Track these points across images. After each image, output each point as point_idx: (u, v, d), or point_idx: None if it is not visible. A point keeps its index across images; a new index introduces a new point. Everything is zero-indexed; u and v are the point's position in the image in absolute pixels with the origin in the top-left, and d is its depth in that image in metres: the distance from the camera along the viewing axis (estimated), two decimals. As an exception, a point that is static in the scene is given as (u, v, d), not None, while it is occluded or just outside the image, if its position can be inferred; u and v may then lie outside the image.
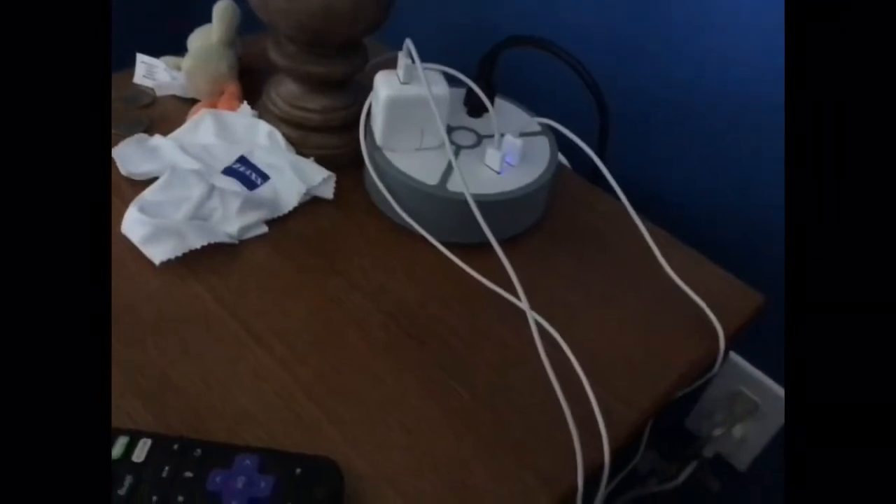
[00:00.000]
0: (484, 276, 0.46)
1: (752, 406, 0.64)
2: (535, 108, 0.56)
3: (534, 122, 0.54)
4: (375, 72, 0.50)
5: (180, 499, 0.33)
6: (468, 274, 0.46)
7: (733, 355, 0.64)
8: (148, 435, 0.35)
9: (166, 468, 0.34)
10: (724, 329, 0.47)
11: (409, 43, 0.47)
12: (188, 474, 0.34)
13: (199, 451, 0.35)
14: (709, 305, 0.47)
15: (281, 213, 0.50)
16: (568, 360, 0.42)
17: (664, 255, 0.49)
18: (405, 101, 0.47)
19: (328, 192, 0.52)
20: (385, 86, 0.48)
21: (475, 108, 0.54)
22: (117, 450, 0.34)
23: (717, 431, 0.65)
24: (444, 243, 0.48)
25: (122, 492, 0.33)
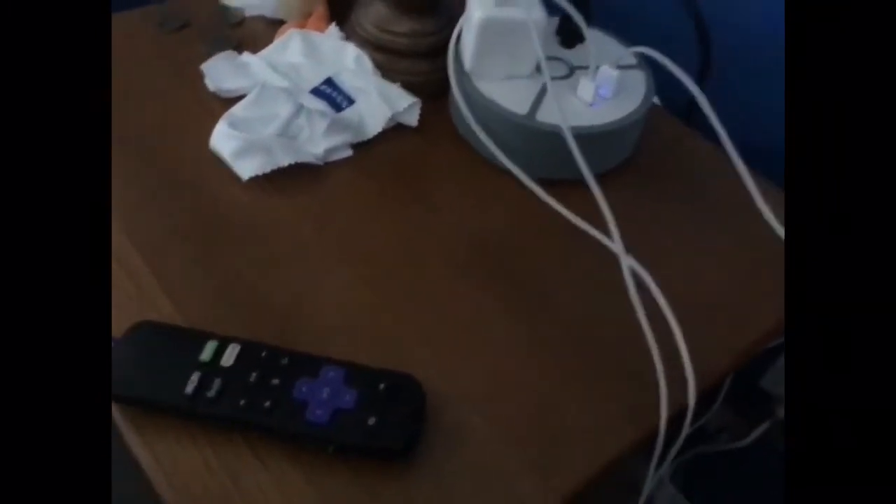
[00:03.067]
0: (571, 211, 0.45)
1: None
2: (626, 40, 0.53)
3: (629, 55, 0.51)
4: (467, -3, 0.48)
5: (267, 404, 0.33)
6: (552, 208, 0.45)
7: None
8: (236, 340, 0.35)
9: (253, 374, 0.34)
10: (822, 280, 0.44)
11: (507, -38, 0.45)
12: (275, 381, 0.34)
13: (286, 359, 0.35)
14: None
15: (365, 138, 0.49)
16: (655, 300, 0.41)
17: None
18: (500, 23, 0.46)
19: (413, 120, 0.51)
20: (479, 7, 0.46)
21: (567, 39, 0.52)
22: (206, 353, 0.35)
23: (795, 392, 0.63)
24: (529, 176, 0.46)
25: (210, 394, 0.33)
